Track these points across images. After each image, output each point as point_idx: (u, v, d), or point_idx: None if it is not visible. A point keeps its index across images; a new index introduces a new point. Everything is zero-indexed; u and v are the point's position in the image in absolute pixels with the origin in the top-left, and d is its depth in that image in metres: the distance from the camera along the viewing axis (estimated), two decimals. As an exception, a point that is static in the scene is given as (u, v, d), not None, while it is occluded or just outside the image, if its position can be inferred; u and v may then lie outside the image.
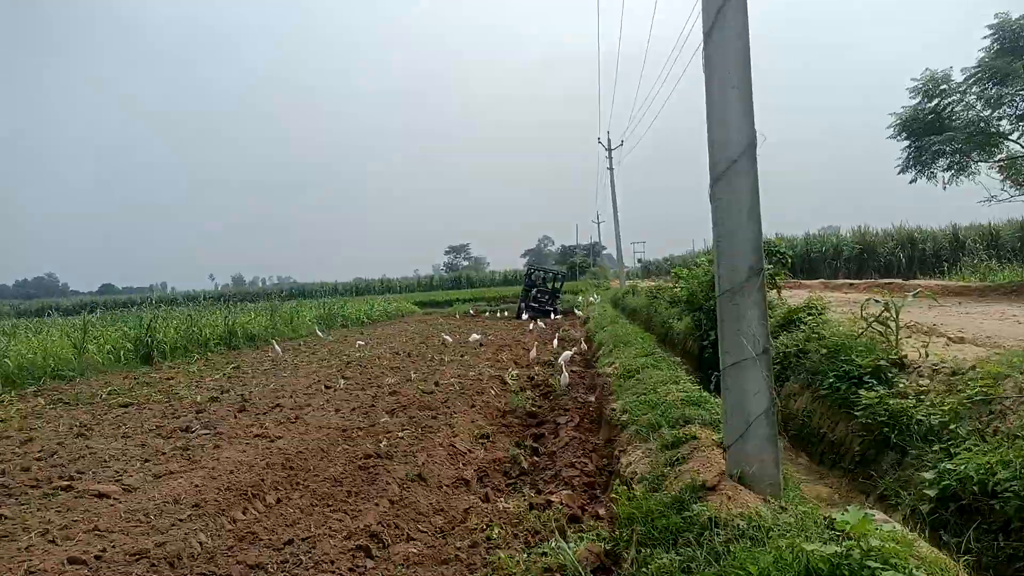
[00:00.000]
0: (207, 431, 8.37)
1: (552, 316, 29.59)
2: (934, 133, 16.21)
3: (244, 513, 5.39)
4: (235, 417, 9.21)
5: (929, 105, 16.51)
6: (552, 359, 14.18)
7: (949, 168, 17.14)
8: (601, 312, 23.43)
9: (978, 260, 24.77)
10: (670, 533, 3.71)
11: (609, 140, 38.97)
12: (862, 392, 5.57)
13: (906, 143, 17.44)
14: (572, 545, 4.24)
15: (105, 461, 7.03)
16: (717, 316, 4.12)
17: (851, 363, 6.15)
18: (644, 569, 3.50)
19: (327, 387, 11.45)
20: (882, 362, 5.95)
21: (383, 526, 4.95)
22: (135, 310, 24.47)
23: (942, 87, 16.26)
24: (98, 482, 6.18)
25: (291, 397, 10.55)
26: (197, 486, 5.86)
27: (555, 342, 17.24)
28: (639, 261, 72.17)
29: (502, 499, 5.75)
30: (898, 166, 18.00)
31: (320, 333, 23.70)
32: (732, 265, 4.00)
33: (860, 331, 6.85)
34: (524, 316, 30.06)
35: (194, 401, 10.60)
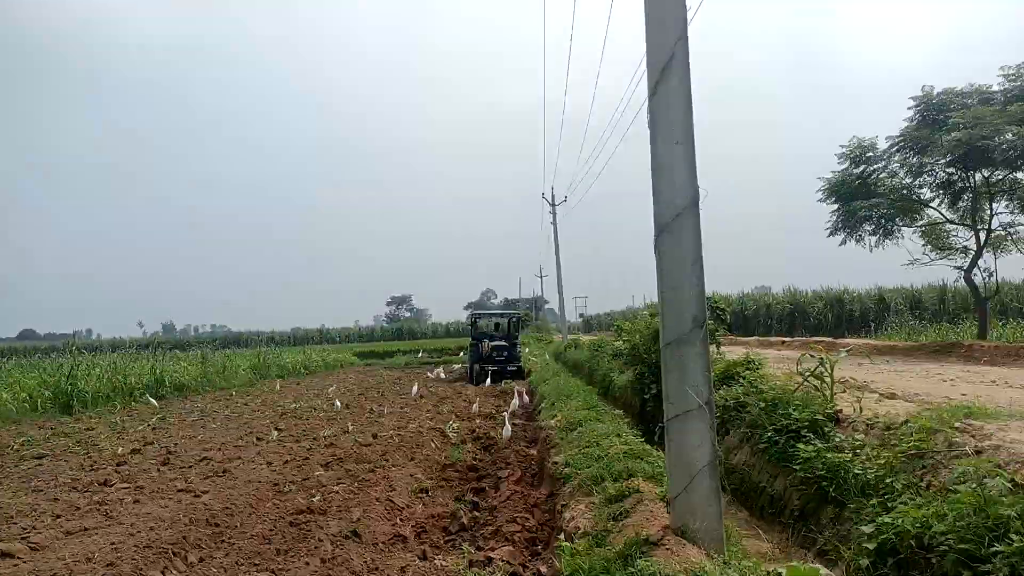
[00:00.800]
0: (127, 485, 7.91)
1: (522, 376, 22.68)
2: (861, 198, 17.03)
3: (163, 573, 5.03)
4: (158, 470, 8.75)
5: (856, 171, 17.39)
6: (494, 411, 14.03)
7: (875, 232, 17.96)
8: (544, 365, 23.40)
9: (903, 321, 25.98)
10: (614, 591, 3.61)
11: (553, 195, 39.60)
12: (800, 446, 5.62)
13: (835, 207, 18.25)
14: (513, 604, 4.09)
15: (12, 517, 6.55)
16: (661, 367, 4.13)
17: (788, 417, 6.23)
18: (587, 629, 3.38)
19: (259, 439, 11.01)
20: (818, 416, 6.05)
21: (314, 586, 4.69)
22: (55, 357, 23.28)
23: (868, 154, 17.17)
24: (1, 540, 5.70)
25: (220, 450, 10.09)
26: (113, 544, 5.49)
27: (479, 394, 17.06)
28: (581, 316, 72.87)
29: (440, 556, 5.54)
30: (827, 228, 18.79)
31: (254, 384, 22.94)
32: (676, 316, 4.02)
33: (796, 385, 6.99)
34: (484, 382, 20.99)
35: (115, 453, 10.05)
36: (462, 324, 62.54)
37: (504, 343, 23.92)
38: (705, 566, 3.45)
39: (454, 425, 12.16)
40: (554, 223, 39.85)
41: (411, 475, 8.16)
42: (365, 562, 5.31)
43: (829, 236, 18.68)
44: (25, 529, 6.11)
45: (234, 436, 11.39)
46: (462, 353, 34.26)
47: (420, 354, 39.21)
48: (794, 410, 6.27)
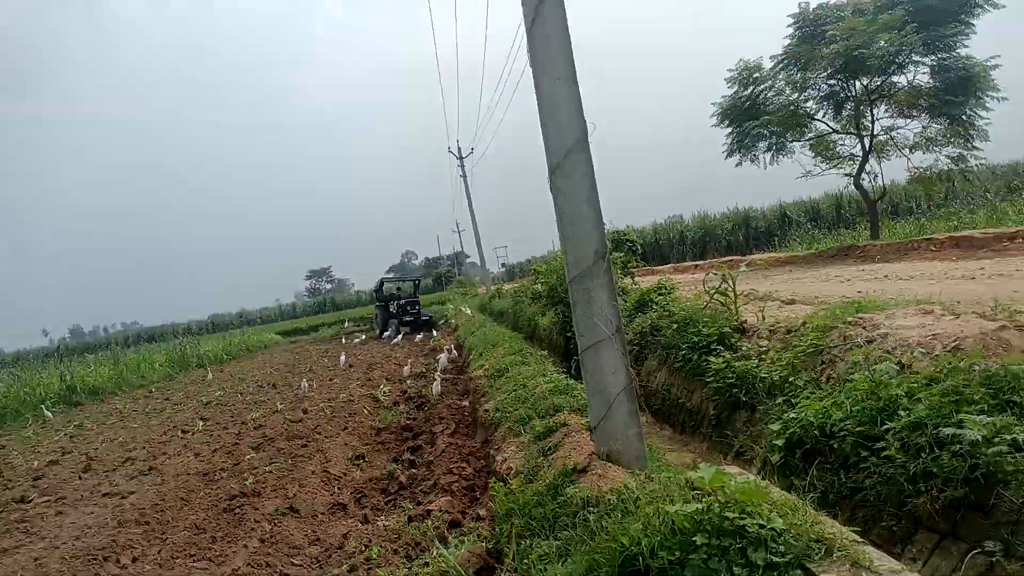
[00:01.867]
0: (47, 498, 7.57)
1: (430, 330, 25.71)
2: (752, 118, 17.58)
3: (94, 580, 4.88)
4: (79, 478, 8.41)
5: (745, 93, 17.90)
6: (425, 370, 14.04)
7: (768, 150, 18.61)
8: (470, 318, 23.49)
9: (804, 232, 27.30)
10: (548, 520, 3.73)
11: (459, 148, 39.12)
12: (711, 359, 5.90)
13: (728, 129, 18.78)
14: (453, 550, 4.18)
15: (-80, 550, 6.14)
16: (570, 302, 4.20)
17: (699, 334, 6.50)
18: (525, 561, 3.49)
19: (184, 432, 10.68)
20: (726, 329, 6.34)
21: (253, 567, 4.65)
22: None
23: (755, 75, 17.67)
24: (-89, 575, 5.38)
25: (144, 448, 9.76)
26: (37, 560, 5.29)
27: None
28: (503, 266, 73.00)
29: (382, 517, 5.58)
30: (724, 151, 19.35)
31: (173, 377, 22.16)
32: (578, 251, 4.08)
33: (704, 304, 7.27)
34: (396, 336, 24.35)
35: (30, 467, 9.55)
36: (387, 290, 61.66)
37: (413, 300, 28.38)
38: (629, 483, 3.60)
39: (385, 389, 12.13)
40: (463, 175, 39.51)
41: (346, 444, 8.13)
42: (305, 534, 5.31)
43: (726, 158, 19.27)
44: (-63, 560, 5.78)
45: (157, 432, 11.02)
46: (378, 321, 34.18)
47: (346, 324, 38.76)
48: (703, 327, 6.54)
